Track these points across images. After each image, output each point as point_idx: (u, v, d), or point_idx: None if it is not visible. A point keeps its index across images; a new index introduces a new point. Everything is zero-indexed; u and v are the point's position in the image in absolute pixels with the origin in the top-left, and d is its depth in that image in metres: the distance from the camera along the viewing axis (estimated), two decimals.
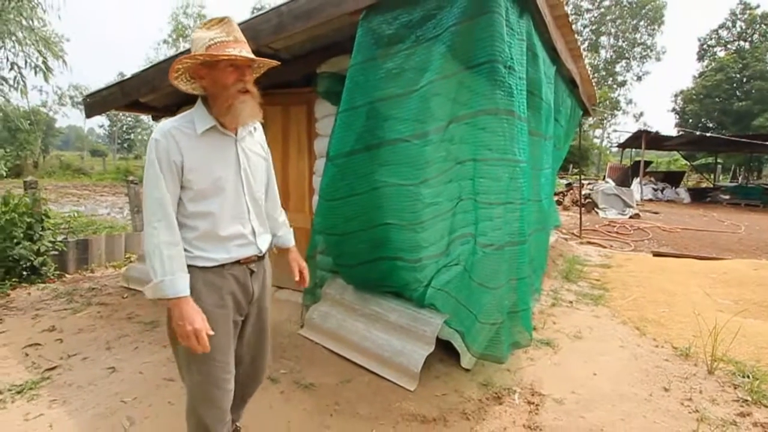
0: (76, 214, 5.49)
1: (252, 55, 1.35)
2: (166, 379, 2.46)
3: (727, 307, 3.74)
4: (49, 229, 4.55)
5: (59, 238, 4.66)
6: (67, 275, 4.65)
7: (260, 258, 1.54)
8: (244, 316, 1.54)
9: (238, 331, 1.54)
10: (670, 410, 2.22)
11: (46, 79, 5.55)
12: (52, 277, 4.41)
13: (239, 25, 2.89)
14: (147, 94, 3.56)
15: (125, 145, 44.48)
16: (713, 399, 2.31)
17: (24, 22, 5.06)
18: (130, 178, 6.02)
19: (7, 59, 5.16)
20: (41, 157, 25.22)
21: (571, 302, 3.98)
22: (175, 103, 4.36)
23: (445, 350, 2.67)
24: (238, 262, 1.45)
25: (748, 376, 2.49)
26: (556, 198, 12.55)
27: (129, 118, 40.68)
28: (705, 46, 29.50)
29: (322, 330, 2.96)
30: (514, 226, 2.33)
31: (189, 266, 1.33)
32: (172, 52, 22.72)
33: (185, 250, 1.34)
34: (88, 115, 4.34)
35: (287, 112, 3.72)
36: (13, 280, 4.08)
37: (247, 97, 1.35)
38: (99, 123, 49.73)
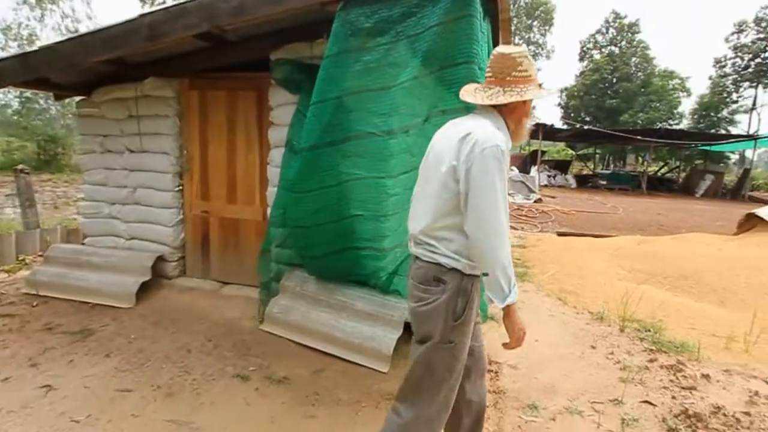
0: None
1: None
2: (120, 391, 2.25)
3: (624, 277, 4.51)
4: None
5: None
6: None
7: None
8: None
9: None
10: (599, 363, 2.68)
11: None
12: None
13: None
14: (60, 70, 3.06)
15: None
16: (629, 351, 2.83)
17: None
18: (20, 166, 5.05)
19: None
20: None
21: None
22: (85, 81, 3.81)
23: (410, 333, 2.83)
24: None
25: (650, 330, 3.08)
26: None
27: None
28: (585, 48, 33.52)
29: (285, 323, 2.93)
30: None
31: (470, 275, 1.43)
32: (35, 14, 18.97)
33: (469, 259, 1.41)
34: None
35: (234, 97, 3.49)
36: None
37: None
38: None
